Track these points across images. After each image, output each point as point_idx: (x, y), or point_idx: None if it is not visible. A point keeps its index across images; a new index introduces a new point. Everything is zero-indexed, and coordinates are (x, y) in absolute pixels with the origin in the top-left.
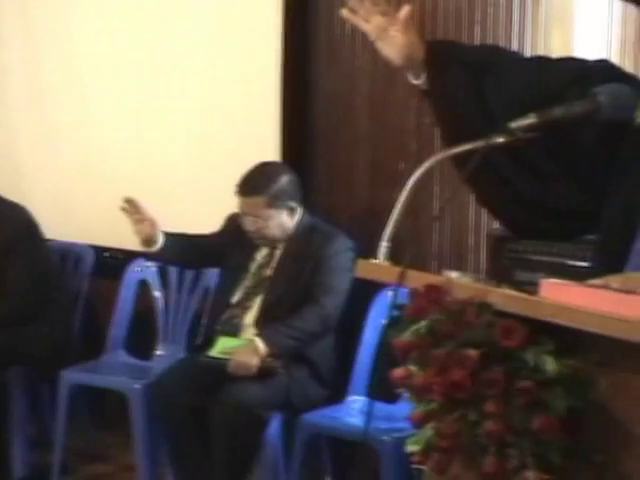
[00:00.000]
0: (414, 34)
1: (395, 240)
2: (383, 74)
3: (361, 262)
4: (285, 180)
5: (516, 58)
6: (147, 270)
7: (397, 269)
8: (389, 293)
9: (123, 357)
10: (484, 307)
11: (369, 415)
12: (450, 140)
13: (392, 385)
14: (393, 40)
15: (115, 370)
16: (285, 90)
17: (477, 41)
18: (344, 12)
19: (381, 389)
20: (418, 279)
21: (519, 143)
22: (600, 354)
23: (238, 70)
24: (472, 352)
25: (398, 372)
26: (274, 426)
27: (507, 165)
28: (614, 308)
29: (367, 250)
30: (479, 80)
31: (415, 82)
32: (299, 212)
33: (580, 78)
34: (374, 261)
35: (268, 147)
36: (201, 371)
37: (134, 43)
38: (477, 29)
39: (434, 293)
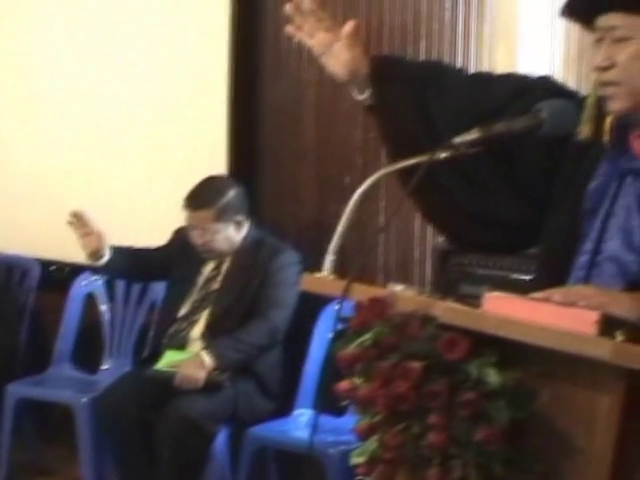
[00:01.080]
0: (358, 49)
1: (342, 253)
2: (330, 88)
3: (306, 276)
4: (232, 194)
5: (459, 74)
6: (93, 283)
7: (342, 282)
8: (336, 306)
9: (69, 371)
10: (428, 320)
11: (314, 428)
12: (394, 155)
13: (338, 398)
14: (337, 56)
15: (61, 384)
16: (232, 104)
17: (422, 56)
18: (289, 29)
19: (328, 402)
20: (363, 292)
21: (462, 157)
22: (542, 366)
23: (185, 84)
24: (416, 364)
25: (343, 385)
26: (221, 439)
27: (450, 179)
28: (556, 321)
29: (314, 263)
30: (423, 95)
31: (359, 98)
32: (246, 226)
33: (522, 94)
34: (319, 274)
35: (215, 161)
36: (147, 385)
37: (83, 57)
38: (422, 44)
39: (378, 306)
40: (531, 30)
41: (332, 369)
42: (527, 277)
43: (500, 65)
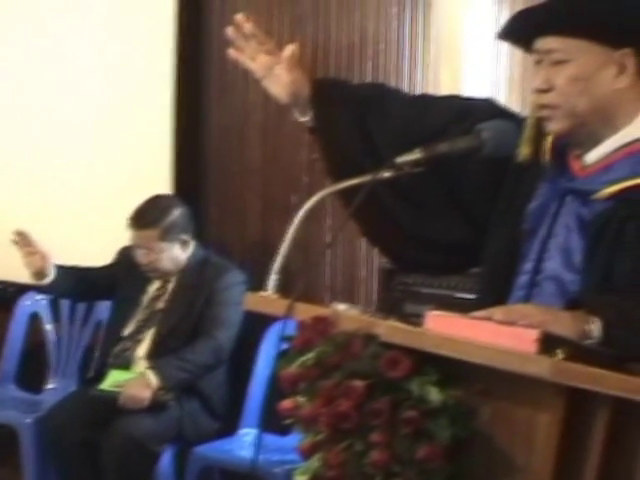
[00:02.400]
0: (299, 72)
1: (287, 272)
2: (275, 108)
3: (250, 295)
4: (178, 213)
5: (401, 95)
6: (38, 303)
7: (285, 302)
8: (279, 326)
9: (14, 391)
10: (370, 338)
11: (258, 447)
12: (335, 176)
13: (283, 417)
14: (278, 78)
15: (5, 404)
16: (177, 124)
17: (369, 77)
18: (231, 51)
19: (273, 421)
20: (306, 311)
21: (405, 179)
22: (483, 384)
23: (130, 102)
24: (358, 383)
25: (286, 403)
26: (166, 459)
27: (391, 200)
28: (497, 339)
29: (260, 282)
30: (364, 117)
31: (301, 119)
32: (191, 245)
33: (464, 115)
34: (263, 294)
35: (160, 180)
36: (92, 404)
37: (24, 74)
38: (369, 65)
39: (321, 325)
40: (475, 51)
41: (277, 388)
42: (471, 296)
43: (445, 86)
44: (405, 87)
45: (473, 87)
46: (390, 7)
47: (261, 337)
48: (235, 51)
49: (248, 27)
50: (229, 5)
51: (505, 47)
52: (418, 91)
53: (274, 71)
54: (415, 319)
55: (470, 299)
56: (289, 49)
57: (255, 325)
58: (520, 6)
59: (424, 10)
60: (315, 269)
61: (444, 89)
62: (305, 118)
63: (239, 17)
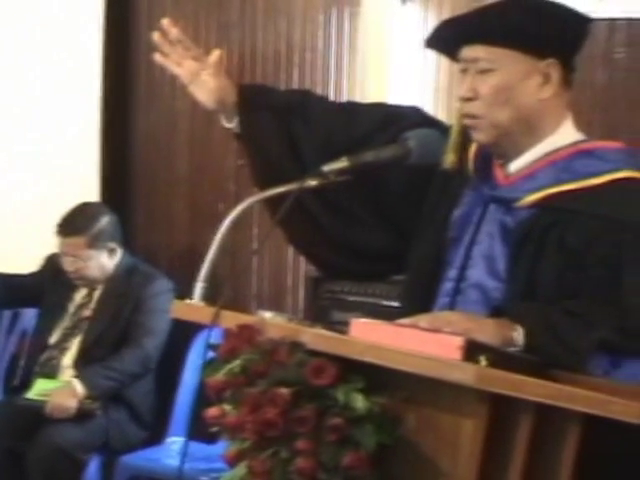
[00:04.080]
0: (225, 78)
1: (214, 280)
2: (203, 116)
3: (176, 303)
4: (105, 221)
5: (327, 102)
6: None
7: (211, 309)
8: (206, 334)
9: None
10: (295, 346)
11: (184, 455)
12: (261, 183)
13: (210, 425)
14: (205, 84)
15: None
16: (104, 131)
17: (295, 84)
18: (156, 56)
19: (200, 429)
20: (233, 319)
21: (331, 187)
22: (408, 391)
23: (57, 110)
24: (284, 391)
25: (212, 411)
26: (92, 468)
27: (317, 207)
28: (421, 346)
29: (187, 290)
30: (288, 124)
31: (228, 125)
32: (119, 253)
33: (390, 123)
34: (189, 302)
35: (88, 187)
36: (18, 414)
37: None
38: (295, 73)
39: (247, 333)
40: (402, 59)
41: (204, 397)
42: (398, 304)
43: (372, 94)
44: (332, 94)
45: (400, 95)
46: (317, 15)
47: (188, 345)
48: (161, 56)
49: (174, 32)
50: (156, 10)
51: (432, 55)
52: (345, 98)
53: (200, 77)
54: (342, 327)
55: (396, 306)
56: (215, 54)
57: (182, 333)
58: (447, 15)
59: (350, 18)
60: (242, 277)
61: (371, 97)
62: (231, 124)
63: (165, 22)
